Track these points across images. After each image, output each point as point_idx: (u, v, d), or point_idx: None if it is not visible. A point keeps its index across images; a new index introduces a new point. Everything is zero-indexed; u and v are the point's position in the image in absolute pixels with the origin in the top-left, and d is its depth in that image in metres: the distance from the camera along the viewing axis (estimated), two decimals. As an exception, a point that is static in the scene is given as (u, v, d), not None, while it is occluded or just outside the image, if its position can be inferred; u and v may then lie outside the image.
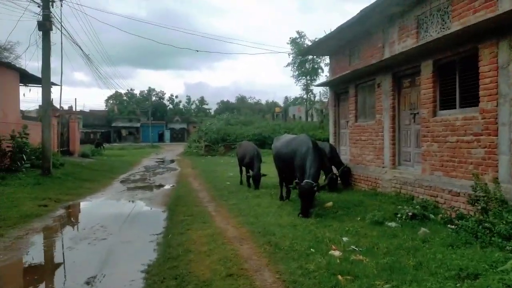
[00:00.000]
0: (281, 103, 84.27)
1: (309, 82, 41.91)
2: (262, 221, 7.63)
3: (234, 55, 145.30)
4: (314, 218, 7.60)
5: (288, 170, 9.28)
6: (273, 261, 5.25)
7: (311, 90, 42.65)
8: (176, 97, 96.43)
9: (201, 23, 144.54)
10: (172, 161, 28.73)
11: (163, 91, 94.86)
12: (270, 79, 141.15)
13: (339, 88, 13.47)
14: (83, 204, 10.90)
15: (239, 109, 74.77)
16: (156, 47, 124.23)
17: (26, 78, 17.50)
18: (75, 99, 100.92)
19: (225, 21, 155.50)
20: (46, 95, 14.38)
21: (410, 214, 7.38)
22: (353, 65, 12.23)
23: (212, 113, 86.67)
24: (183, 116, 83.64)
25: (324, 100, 40.38)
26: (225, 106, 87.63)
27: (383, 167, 10.38)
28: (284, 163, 9.44)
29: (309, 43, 41.19)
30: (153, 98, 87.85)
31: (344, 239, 6.24)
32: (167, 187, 14.14)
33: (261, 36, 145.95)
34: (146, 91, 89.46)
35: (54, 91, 45.94)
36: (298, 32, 41.04)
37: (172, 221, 8.20)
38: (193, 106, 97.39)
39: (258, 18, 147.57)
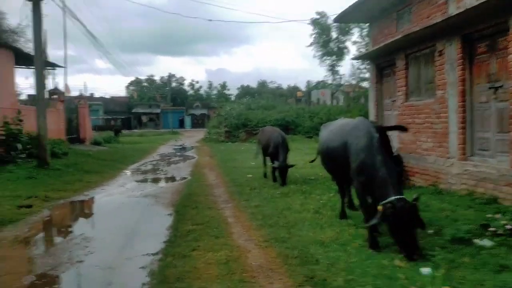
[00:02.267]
0: (302, 88, 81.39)
1: (334, 62, 39.05)
2: (296, 235, 5.57)
3: (253, 39, 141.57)
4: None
5: (342, 174, 5.91)
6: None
7: (337, 71, 39.76)
8: (197, 82, 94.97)
9: (220, 10, 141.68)
10: (191, 148, 26.93)
11: (183, 77, 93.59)
12: (290, 64, 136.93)
13: (382, 60, 11.11)
14: (72, 204, 9.07)
15: (260, 93, 72.52)
16: (175, 34, 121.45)
17: (24, 59, 15.81)
18: (84, 82, 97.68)
19: (242, 8, 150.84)
20: (39, 75, 12.59)
21: (509, 227, 5.17)
22: (401, 31, 9.85)
23: (233, 98, 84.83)
24: (203, 102, 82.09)
25: (352, 82, 37.60)
26: (245, 91, 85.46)
27: (448, 158, 8.08)
28: (334, 164, 6.11)
29: (332, 22, 38.39)
30: (173, 84, 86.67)
31: (425, 270, 4.11)
32: (179, 180, 12.23)
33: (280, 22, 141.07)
34: (166, 77, 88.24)
35: (59, 74, 44.63)
36: (318, 13, 37.99)
37: (176, 231, 6.21)
38: (215, 92, 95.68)
39: (276, 4, 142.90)
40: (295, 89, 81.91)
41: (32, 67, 17.96)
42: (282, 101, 51.88)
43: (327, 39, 38.99)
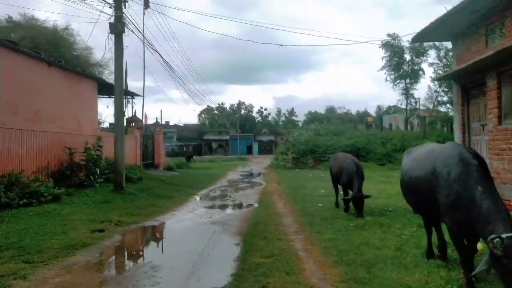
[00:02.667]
0: (372, 113, 78.84)
1: (408, 86, 37.25)
2: (377, 276, 4.89)
3: (321, 65, 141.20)
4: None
5: (429, 209, 5.07)
6: None
7: (412, 95, 37.82)
8: (265, 109, 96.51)
9: (289, 39, 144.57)
10: (258, 174, 26.82)
11: (251, 105, 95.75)
12: (360, 88, 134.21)
13: (469, 80, 10.10)
14: (143, 230, 9.12)
15: (329, 119, 71.41)
16: (246, 63, 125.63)
17: (106, 89, 16.91)
18: (161, 110, 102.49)
19: (311, 35, 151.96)
20: (119, 103, 13.26)
21: None
22: (492, 47, 8.87)
23: (300, 124, 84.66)
24: (271, 128, 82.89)
25: (429, 106, 35.44)
26: (313, 117, 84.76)
27: (557, 190, 6.89)
28: (419, 197, 5.23)
29: (405, 44, 36.88)
30: (242, 112, 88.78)
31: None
32: (247, 207, 11.95)
33: (349, 47, 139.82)
34: (235, 105, 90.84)
35: (138, 103, 47.66)
36: (390, 35, 36.54)
37: (244, 264, 5.83)
38: (283, 118, 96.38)
39: (346, 29, 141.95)
40: (365, 114, 79.65)
41: (113, 96, 19.37)
42: (351, 127, 50.36)
43: (400, 61, 37.51)
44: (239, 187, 18.83)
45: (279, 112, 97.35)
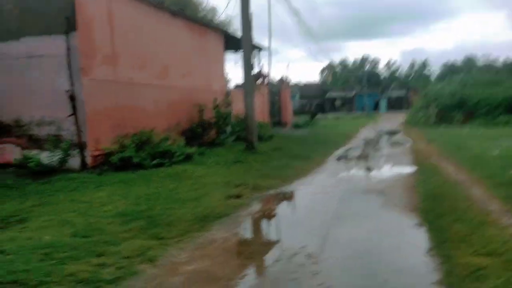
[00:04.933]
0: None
1: None
2: None
3: (452, 13, 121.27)
4: None
5: None
6: None
7: None
8: (393, 63, 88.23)
9: None
10: (395, 132, 23.63)
11: (377, 59, 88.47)
12: (503, 37, 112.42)
13: None
14: (284, 197, 7.58)
15: (469, 71, 61.44)
16: (367, 17, 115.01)
17: (232, 43, 15.70)
18: (288, 63, 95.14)
19: None
20: (247, 55, 11.79)
21: None
22: None
23: (432, 79, 75.39)
24: (400, 83, 75.69)
25: None
26: (449, 70, 74.32)
27: None
28: None
29: None
30: (367, 67, 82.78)
31: None
32: (404, 172, 9.62)
33: None
34: (359, 60, 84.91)
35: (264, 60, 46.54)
36: None
37: (451, 265, 3.77)
38: (415, 70, 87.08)
39: None
40: (515, 64, 66.54)
41: (240, 51, 18.22)
42: (506, 77, 41.86)
43: None
44: (381, 146, 16.31)
45: (413, 65, 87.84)
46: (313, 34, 29.70)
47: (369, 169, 10.51)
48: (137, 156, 8.32)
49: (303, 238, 4.97)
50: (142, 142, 8.85)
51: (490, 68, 65.48)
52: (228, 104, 12.41)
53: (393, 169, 10.22)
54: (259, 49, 19.22)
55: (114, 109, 8.86)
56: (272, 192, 7.72)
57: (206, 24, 13.50)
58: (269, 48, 17.86)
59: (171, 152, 9.06)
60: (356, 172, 10.00)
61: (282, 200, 7.43)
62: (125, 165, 8.19)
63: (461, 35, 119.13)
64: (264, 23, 46.40)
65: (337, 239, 4.97)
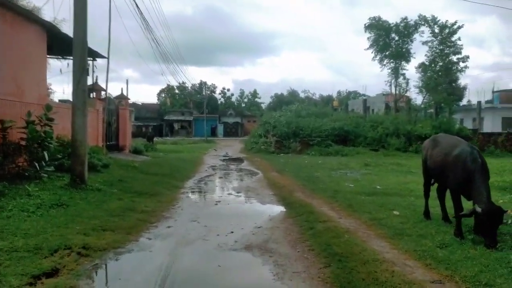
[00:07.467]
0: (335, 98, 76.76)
1: (398, 65, 34.53)
2: None
3: (277, 50, 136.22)
4: None
5: None
6: None
7: (403, 75, 35.13)
8: (228, 90, 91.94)
9: (246, 22, 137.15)
10: (240, 159, 23.08)
11: (214, 85, 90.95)
12: (317, 75, 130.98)
13: None
14: (129, 266, 5.16)
15: (293, 103, 68.40)
16: (202, 45, 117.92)
17: (59, 46, 12.36)
18: (127, 80, 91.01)
19: (270, 19, 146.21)
20: (80, 59, 8.93)
21: None
22: None
23: (264, 107, 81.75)
24: (236, 110, 78.96)
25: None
26: (278, 100, 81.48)
27: None
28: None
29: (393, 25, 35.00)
30: (204, 92, 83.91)
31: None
32: (274, 212, 8.26)
33: (306, 31, 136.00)
34: (197, 84, 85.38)
35: (100, 67, 41.76)
36: (372, 18, 34.30)
37: None
38: (246, 100, 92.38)
39: (303, 15, 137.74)
40: (329, 98, 77.20)
41: (68, 57, 14.72)
42: (330, 109, 47.03)
43: (386, 42, 34.94)
44: (232, 176, 15.07)
45: (242, 93, 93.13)
46: (152, 55, 27.38)
47: (233, 210, 8.82)
48: None
49: None
50: None
51: (310, 101, 74.07)
52: (50, 120, 9.16)
53: (260, 208, 8.81)
54: (93, 58, 15.98)
55: None
56: (110, 257, 5.21)
57: (22, 12, 9.95)
58: (108, 57, 14.88)
59: None
60: (218, 214, 8.18)
61: (127, 275, 4.97)
62: None
63: (284, 70, 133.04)
64: (99, 38, 41.83)
65: None
